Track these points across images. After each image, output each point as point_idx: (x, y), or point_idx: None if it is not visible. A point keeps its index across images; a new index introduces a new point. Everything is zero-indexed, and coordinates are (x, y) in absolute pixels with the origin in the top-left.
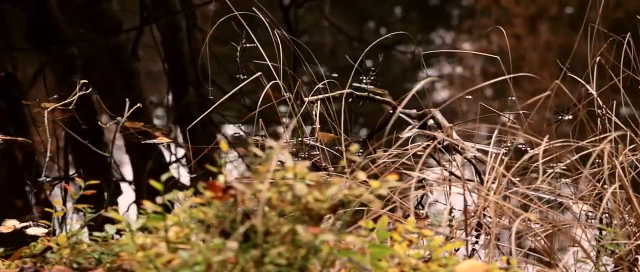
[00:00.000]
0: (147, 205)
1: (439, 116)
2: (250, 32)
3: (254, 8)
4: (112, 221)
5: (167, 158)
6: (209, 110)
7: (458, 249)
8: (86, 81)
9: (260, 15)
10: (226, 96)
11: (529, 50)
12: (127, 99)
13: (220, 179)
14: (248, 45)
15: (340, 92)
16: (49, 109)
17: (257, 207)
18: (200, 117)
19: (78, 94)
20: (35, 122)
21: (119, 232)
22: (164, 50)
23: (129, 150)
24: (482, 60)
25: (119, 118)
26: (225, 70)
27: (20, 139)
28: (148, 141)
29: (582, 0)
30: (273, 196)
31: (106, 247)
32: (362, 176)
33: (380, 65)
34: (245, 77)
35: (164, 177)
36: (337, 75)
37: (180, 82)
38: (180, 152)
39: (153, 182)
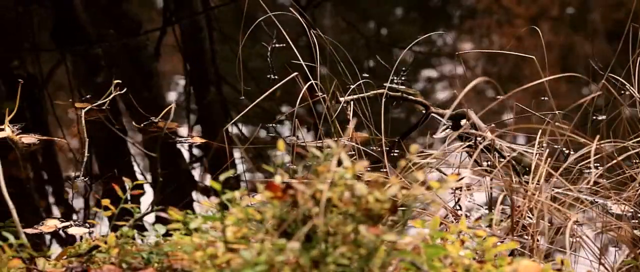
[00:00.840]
0: (206, 204)
1: (474, 116)
2: (284, 33)
3: (291, 9)
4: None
5: (200, 158)
6: (248, 109)
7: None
8: (120, 81)
9: (297, 16)
10: (263, 96)
11: (530, 51)
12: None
13: (277, 178)
14: (277, 45)
15: (375, 92)
16: (85, 109)
17: (317, 207)
18: (238, 117)
19: (113, 94)
20: (59, 121)
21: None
22: (185, 51)
23: (163, 150)
24: (484, 60)
25: (152, 118)
26: (247, 70)
27: (56, 139)
28: (183, 141)
29: (583, 0)
30: (333, 196)
31: (155, 247)
32: (420, 176)
33: (410, 65)
34: (276, 77)
35: (223, 176)
36: (366, 75)
37: (201, 82)
38: (214, 152)
39: (212, 182)
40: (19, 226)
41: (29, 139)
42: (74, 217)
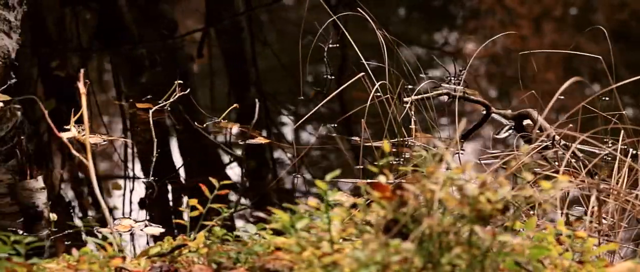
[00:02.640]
0: (311, 204)
1: (539, 117)
2: (346, 32)
3: (358, 9)
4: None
5: (268, 158)
6: (317, 107)
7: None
8: (181, 81)
9: (366, 15)
10: (329, 97)
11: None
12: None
13: (381, 178)
14: (332, 45)
15: (437, 93)
16: (152, 110)
17: (428, 208)
18: (307, 116)
19: (178, 95)
20: (103, 120)
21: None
22: (226, 51)
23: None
24: (487, 60)
25: (214, 118)
26: (285, 69)
27: (122, 138)
28: (249, 142)
29: (587, 0)
30: (446, 197)
31: (243, 247)
32: (529, 176)
33: (466, 66)
34: (333, 77)
35: (329, 176)
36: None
37: (242, 82)
38: (278, 152)
39: (318, 183)
40: (113, 225)
41: (95, 139)
42: (146, 217)
